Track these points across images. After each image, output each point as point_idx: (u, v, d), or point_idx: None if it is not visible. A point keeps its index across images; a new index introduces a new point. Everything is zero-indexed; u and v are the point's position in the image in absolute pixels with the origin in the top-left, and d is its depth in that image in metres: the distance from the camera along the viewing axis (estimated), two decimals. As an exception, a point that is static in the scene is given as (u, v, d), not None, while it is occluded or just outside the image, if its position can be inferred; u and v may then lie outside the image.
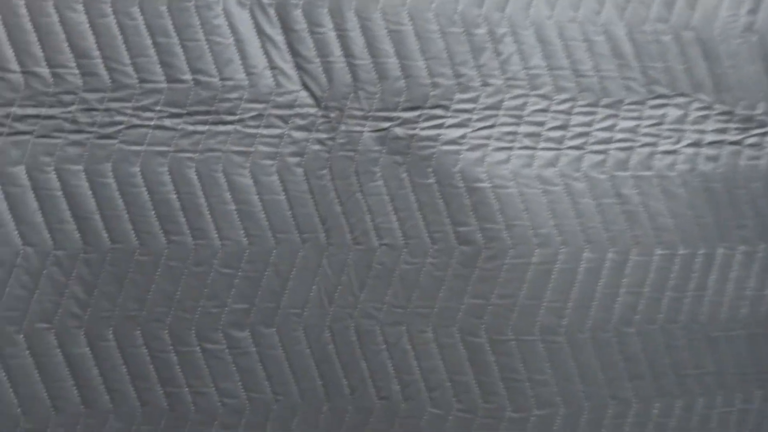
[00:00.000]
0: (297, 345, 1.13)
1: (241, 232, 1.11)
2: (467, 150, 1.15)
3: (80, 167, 1.09)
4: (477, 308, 1.15)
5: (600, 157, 1.18)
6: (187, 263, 1.10)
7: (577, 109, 1.18)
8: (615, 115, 1.19)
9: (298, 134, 1.14)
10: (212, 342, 1.12)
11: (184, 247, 1.10)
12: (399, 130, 1.15)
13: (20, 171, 1.08)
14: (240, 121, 1.13)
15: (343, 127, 1.15)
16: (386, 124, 1.15)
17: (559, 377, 1.17)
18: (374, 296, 1.15)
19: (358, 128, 1.15)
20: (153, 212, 1.10)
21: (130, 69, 1.10)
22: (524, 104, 1.17)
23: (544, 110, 1.18)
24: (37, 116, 1.09)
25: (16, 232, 1.07)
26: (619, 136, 1.19)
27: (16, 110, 1.08)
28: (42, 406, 1.09)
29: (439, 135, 1.15)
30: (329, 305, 1.13)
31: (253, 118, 1.13)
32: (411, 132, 1.15)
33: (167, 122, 1.11)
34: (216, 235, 1.11)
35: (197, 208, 1.11)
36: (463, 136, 1.16)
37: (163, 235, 1.10)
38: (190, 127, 1.12)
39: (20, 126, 1.08)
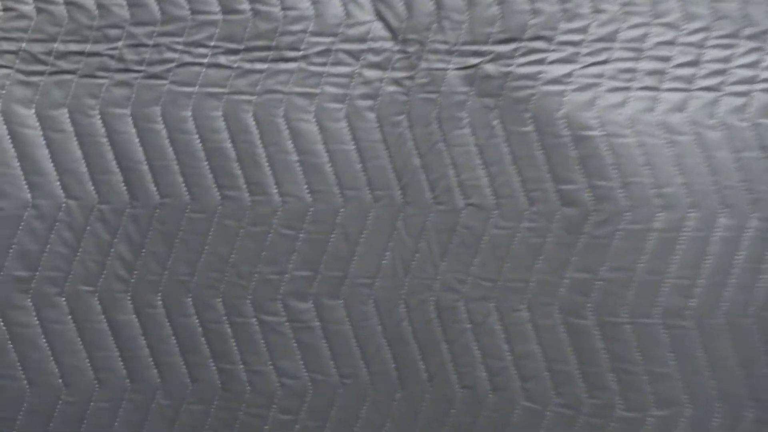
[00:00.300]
0: (367, 320, 0.94)
1: (305, 188, 0.93)
2: (574, 91, 0.92)
3: (127, 111, 0.94)
4: (583, 283, 0.92)
5: (740, 100, 0.92)
6: (243, 222, 0.93)
7: (711, 42, 0.92)
8: (760, 49, 0.93)
9: (371, 73, 0.95)
10: (270, 313, 0.94)
11: (240, 204, 0.93)
12: (491, 68, 0.93)
13: (63, 114, 0.94)
14: (304, 57, 0.95)
15: (423, 65, 0.94)
16: (475, 60, 0.94)
17: (686, 371, 0.92)
18: (458, 266, 0.94)
19: (442, 65, 0.94)
20: (206, 163, 0.94)
21: None
22: (645, 35, 0.93)
23: (669, 42, 0.93)
24: (80, 53, 0.95)
25: (59, 183, 0.94)
26: (765, 75, 0.92)
27: (58, 46, 0.95)
28: (85, 378, 0.95)
29: (539, 73, 0.93)
30: (405, 275, 0.93)
31: (318, 54, 0.95)
32: (505, 69, 0.93)
33: (222, 59, 0.95)
34: (276, 191, 0.93)
35: (255, 159, 0.94)
36: (569, 74, 0.93)
37: (217, 190, 0.94)
38: (248, 65, 0.95)
39: (63, 64, 0.95)
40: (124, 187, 0.94)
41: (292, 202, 0.94)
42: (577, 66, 0.93)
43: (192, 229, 0.94)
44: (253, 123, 0.94)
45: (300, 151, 0.94)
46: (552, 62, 0.93)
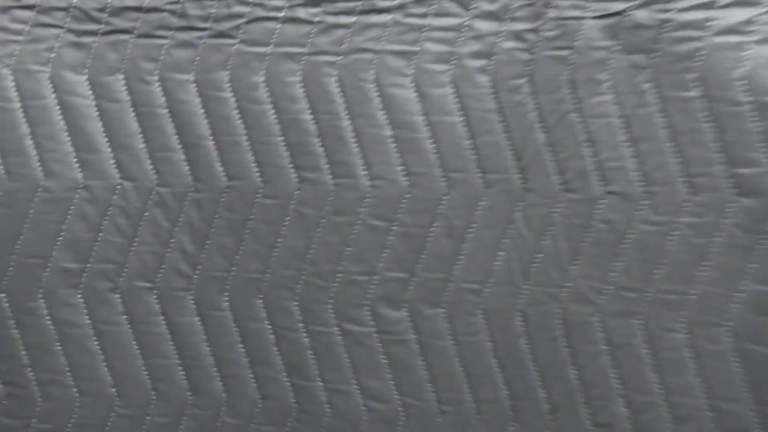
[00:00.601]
0: (474, 335, 0.55)
1: (400, 169, 0.54)
2: (756, 43, 0.50)
3: (189, 76, 0.57)
4: (765, 300, 0.49)
5: None
6: (325, 211, 0.55)
7: None
8: None
9: (484, 25, 0.55)
10: (356, 322, 0.56)
11: (321, 189, 0.55)
12: (642, 14, 0.52)
13: (117, 81, 0.58)
14: (400, 7, 0.56)
15: (552, 13, 0.54)
16: (620, 6, 0.52)
17: None
18: (593, 271, 0.53)
19: (576, 13, 0.53)
20: (281, 138, 0.56)
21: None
22: None
23: None
24: (138, 8, 0.59)
25: (113, 162, 0.58)
26: None
27: (113, 1, 0.59)
28: (141, 388, 0.59)
29: (708, 20, 0.51)
30: (523, 281, 0.54)
31: (418, 2, 0.55)
32: (661, 16, 0.52)
33: (301, 12, 0.57)
34: (364, 173, 0.55)
35: (339, 134, 0.56)
36: (749, 21, 0.50)
37: (294, 171, 0.56)
38: (331, 19, 0.56)
39: (118, 22, 0.59)
40: (187, 167, 0.58)
41: (385, 186, 0.55)
42: (762, 10, 0.50)
43: (264, 217, 0.57)
44: (338, 89, 0.55)
45: (395, 123, 0.55)
46: (726, 5, 0.51)
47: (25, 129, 0.62)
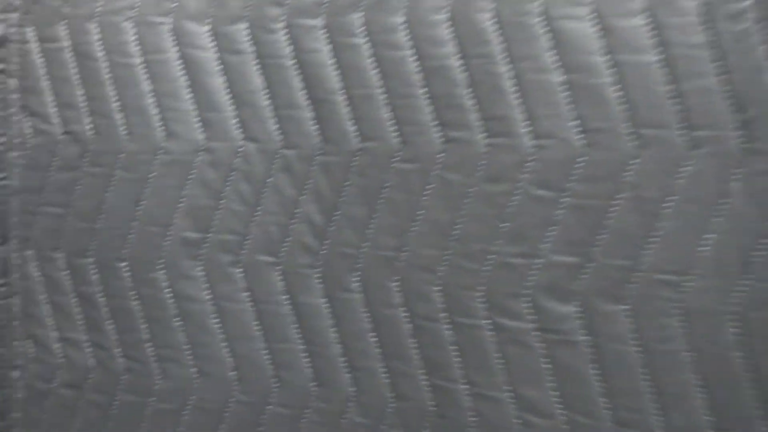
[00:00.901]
0: (667, 341, 0.29)
1: (573, 125, 0.31)
2: None
3: (318, 21, 0.35)
4: None
5: None
6: (475, 177, 0.31)
7: None
8: None
9: None
10: (511, 316, 0.32)
11: (471, 150, 0.32)
12: None
13: (240, 31, 0.37)
14: None
15: None
16: None
17: None
18: None
19: None
20: (423, 90, 0.32)
21: None
22: None
23: None
24: (263, -55, 0.36)
25: (236, 121, 0.36)
26: None
27: None
28: (262, 374, 0.39)
29: None
30: (741, 274, 0.28)
31: None
32: None
33: None
34: (526, 130, 0.31)
35: (494, 82, 0.32)
36: None
37: (438, 130, 0.32)
38: None
39: None
40: (315, 127, 0.36)
41: (553, 147, 0.30)
42: None
43: (402, 184, 0.33)
44: (494, 27, 0.31)
45: (568, 66, 0.30)
46: None
47: (146, 86, 0.41)
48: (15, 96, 0.46)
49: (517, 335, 0.36)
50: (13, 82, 0.46)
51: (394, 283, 0.39)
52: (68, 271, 0.45)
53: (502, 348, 0.37)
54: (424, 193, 0.38)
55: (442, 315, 0.38)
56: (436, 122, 0.37)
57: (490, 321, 0.37)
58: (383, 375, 0.40)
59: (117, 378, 0.45)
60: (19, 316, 0.47)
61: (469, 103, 0.36)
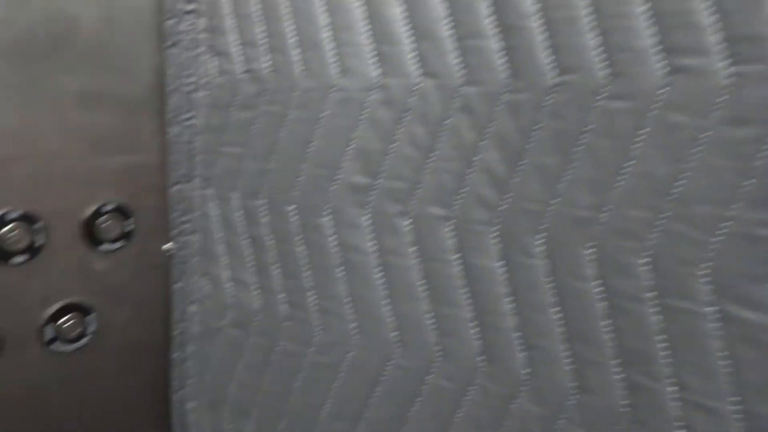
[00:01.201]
0: None
1: None
2: None
3: None
4: None
5: None
6: (711, 118, 0.23)
7: None
8: None
9: None
10: (751, 305, 0.23)
11: (707, 82, 0.23)
12: None
13: None
14: None
15: None
16: None
17: None
18: None
19: None
20: (643, 8, 0.24)
21: None
22: None
23: None
24: None
25: (414, 54, 0.32)
26: None
27: None
28: (425, 340, 0.37)
29: None
30: None
31: None
32: None
33: None
34: None
35: None
36: None
37: (662, 57, 0.24)
38: None
39: None
40: (503, 59, 0.29)
41: None
42: None
43: (607, 128, 0.26)
44: None
45: None
46: None
47: (323, 19, 0.38)
48: (204, 35, 0.46)
49: (754, 332, 0.27)
50: (202, 22, 0.46)
51: (589, 250, 0.31)
52: (242, 212, 0.44)
53: (731, 346, 0.28)
54: (637, 138, 0.29)
55: (649, 295, 0.30)
56: (659, 47, 0.29)
57: (716, 308, 0.28)
58: (565, 359, 0.33)
59: (279, 324, 0.43)
60: (199, 253, 0.47)
61: (707, 21, 0.27)
